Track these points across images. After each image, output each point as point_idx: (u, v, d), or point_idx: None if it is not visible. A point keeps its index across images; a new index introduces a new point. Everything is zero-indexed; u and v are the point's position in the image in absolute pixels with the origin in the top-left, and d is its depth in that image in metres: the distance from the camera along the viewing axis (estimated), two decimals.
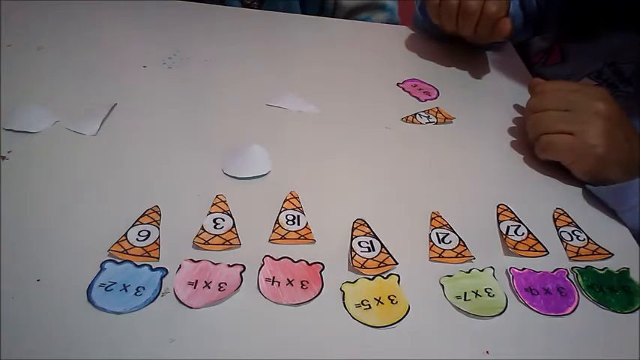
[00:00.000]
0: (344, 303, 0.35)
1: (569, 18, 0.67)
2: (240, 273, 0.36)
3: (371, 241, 0.40)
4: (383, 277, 0.38)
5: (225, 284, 0.35)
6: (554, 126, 0.48)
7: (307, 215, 0.42)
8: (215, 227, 0.40)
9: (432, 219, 0.43)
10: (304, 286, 0.36)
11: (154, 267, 0.36)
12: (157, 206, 0.41)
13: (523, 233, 0.42)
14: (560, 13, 0.69)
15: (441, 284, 0.37)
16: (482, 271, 0.39)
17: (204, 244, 0.38)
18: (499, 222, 0.43)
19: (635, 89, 0.58)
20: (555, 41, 0.70)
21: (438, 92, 0.61)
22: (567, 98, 0.49)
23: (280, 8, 0.80)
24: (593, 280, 0.39)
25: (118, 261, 0.36)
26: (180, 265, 0.37)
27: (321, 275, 0.37)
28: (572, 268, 0.40)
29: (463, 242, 0.41)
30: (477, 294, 0.37)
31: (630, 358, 0.34)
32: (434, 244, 0.41)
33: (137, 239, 0.38)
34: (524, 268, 0.39)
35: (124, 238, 0.38)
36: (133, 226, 0.39)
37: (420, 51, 0.70)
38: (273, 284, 0.36)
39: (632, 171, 0.45)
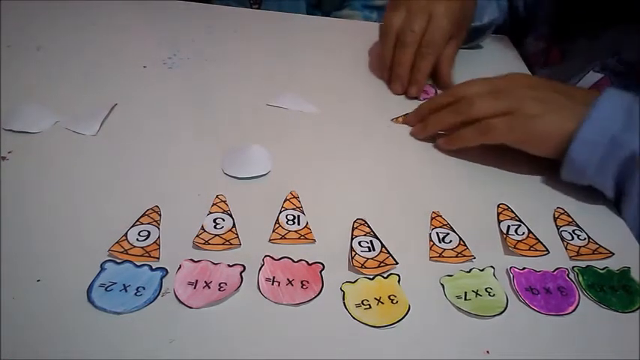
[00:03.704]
0: (344, 303, 0.35)
1: (564, 17, 0.66)
2: (240, 273, 0.36)
3: (371, 241, 0.40)
4: (383, 276, 0.37)
5: (225, 284, 0.35)
6: (489, 108, 0.47)
7: (307, 215, 0.42)
8: (215, 227, 0.40)
9: (432, 218, 0.43)
10: (304, 286, 0.36)
11: (154, 267, 0.36)
12: (157, 206, 0.41)
13: (523, 233, 0.42)
14: (552, 12, 0.69)
15: (442, 284, 0.37)
16: (482, 270, 0.39)
17: (204, 244, 0.38)
18: (499, 221, 0.43)
19: None
20: (551, 41, 0.70)
21: (435, 92, 0.61)
22: (493, 82, 0.49)
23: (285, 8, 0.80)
24: (593, 280, 0.39)
25: (118, 261, 0.36)
26: (180, 265, 0.36)
27: (321, 275, 0.37)
28: (573, 267, 0.40)
29: (463, 242, 0.41)
30: (477, 293, 0.37)
31: (630, 358, 0.34)
32: (434, 243, 0.41)
33: (137, 239, 0.38)
34: (524, 268, 0.39)
35: (124, 238, 0.38)
36: (133, 226, 0.39)
37: None
38: (273, 284, 0.36)
39: (580, 116, 0.44)
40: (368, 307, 0.35)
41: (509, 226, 0.43)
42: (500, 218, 0.44)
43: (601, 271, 0.39)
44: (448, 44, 0.60)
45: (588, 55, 0.62)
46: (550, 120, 0.45)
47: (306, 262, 0.38)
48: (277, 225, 0.41)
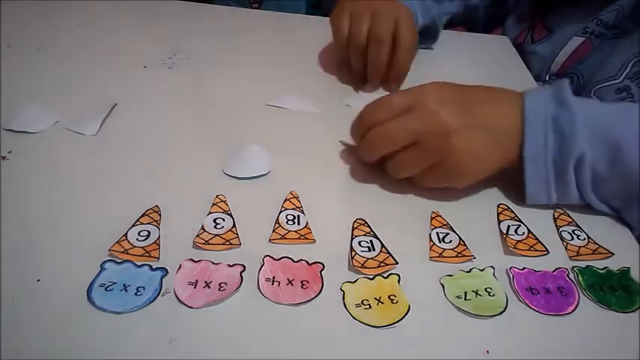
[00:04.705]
0: (344, 303, 0.35)
1: None
2: (240, 273, 0.36)
3: (371, 241, 0.40)
4: (383, 276, 0.37)
5: (226, 284, 0.35)
6: (412, 167, 0.43)
7: (307, 215, 0.42)
8: (215, 227, 0.40)
9: (432, 218, 0.43)
10: (304, 286, 0.36)
11: (154, 267, 0.36)
12: (157, 206, 0.41)
13: (523, 233, 0.42)
14: None
15: (442, 284, 0.37)
16: (482, 270, 0.39)
17: (204, 244, 0.38)
18: (499, 221, 0.43)
19: (620, 30, 0.60)
20: (534, 18, 0.71)
21: None
22: (407, 127, 0.41)
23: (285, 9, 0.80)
24: (593, 280, 0.39)
25: (118, 261, 0.36)
26: (180, 265, 0.36)
27: (321, 275, 0.37)
28: (573, 267, 0.40)
29: (463, 242, 0.41)
30: (477, 293, 0.37)
31: (630, 358, 0.34)
32: (434, 243, 0.41)
33: (137, 239, 0.38)
34: (524, 268, 0.39)
35: (124, 238, 0.38)
36: (133, 226, 0.39)
37: (419, 50, 0.70)
38: (273, 284, 0.36)
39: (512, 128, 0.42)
40: (368, 307, 0.35)
41: (509, 226, 0.43)
42: (500, 218, 0.44)
43: (601, 271, 0.40)
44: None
45: (571, 23, 0.65)
46: (481, 157, 0.42)
47: (306, 262, 0.38)
48: (277, 225, 0.41)
